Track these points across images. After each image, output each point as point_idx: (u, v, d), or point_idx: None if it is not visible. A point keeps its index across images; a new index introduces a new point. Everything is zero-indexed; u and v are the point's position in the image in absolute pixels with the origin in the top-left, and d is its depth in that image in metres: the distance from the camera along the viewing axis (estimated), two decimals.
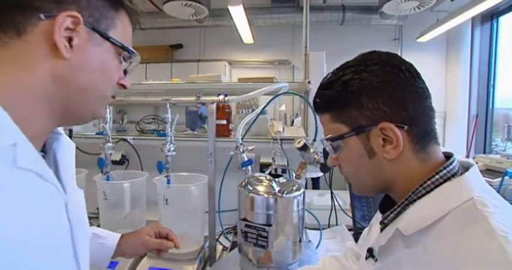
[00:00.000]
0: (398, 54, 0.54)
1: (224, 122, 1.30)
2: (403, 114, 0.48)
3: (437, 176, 0.46)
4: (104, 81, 0.46)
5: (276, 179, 0.84)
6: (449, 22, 3.31)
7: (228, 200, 1.21)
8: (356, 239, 1.27)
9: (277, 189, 0.80)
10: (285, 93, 0.96)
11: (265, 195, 0.81)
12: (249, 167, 0.93)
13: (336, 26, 3.89)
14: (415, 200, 0.48)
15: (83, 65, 0.42)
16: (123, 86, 0.50)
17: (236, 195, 1.33)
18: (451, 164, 0.48)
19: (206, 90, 1.19)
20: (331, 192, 1.44)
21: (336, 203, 1.43)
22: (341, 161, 0.56)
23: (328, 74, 0.54)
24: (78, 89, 0.43)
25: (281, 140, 1.25)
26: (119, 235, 0.75)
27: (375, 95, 0.48)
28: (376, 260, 0.53)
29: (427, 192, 0.47)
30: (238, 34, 3.33)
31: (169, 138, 0.93)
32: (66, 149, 0.50)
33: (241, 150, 0.93)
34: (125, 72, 0.50)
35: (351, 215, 1.41)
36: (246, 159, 0.92)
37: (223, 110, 1.28)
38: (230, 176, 1.22)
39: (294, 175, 0.93)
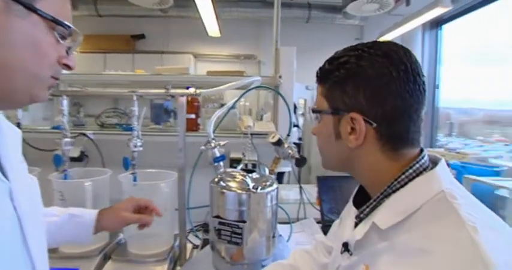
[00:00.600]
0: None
1: (193, 116, 1.25)
2: (378, 111, 0.48)
3: (410, 170, 0.48)
4: (36, 59, 0.41)
5: (249, 175, 0.83)
6: (404, 26, 3.53)
7: (197, 197, 1.18)
8: (324, 232, 1.31)
9: (251, 185, 0.79)
10: (258, 87, 0.95)
11: (239, 191, 0.79)
12: (221, 163, 0.90)
13: (302, 23, 3.96)
14: (390, 194, 0.49)
15: (2, 40, 0.38)
16: (67, 66, 0.46)
17: (206, 191, 1.31)
18: (422, 158, 0.49)
19: (173, 83, 1.13)
20: (300, 187, 1.46)
21: (304, 197, 1.46)
22: (317, 132, 0.59)
23: (338, 51, 0.55)
24: (2, 67, 0.39)
25: (252, 134, 1.24)
26: (96, 211, 0.74)
27: (360, 85, 0.49)
28: (351, 254, 0.54)
29: (402, 186, 0.48)
30: (204, 27, 3.23)
31: (136, 132, 0.87)
32: (5, 134, 0.46)
33: (212, 145, 0.90)
34: (69, 51, 0.46)
35: (318, 208, 1.46)
36: (218, 154, 0.90)
37: (192, 104, 1.24)
38: (199, 172, 1.19)
39: (267, 170, 0.93)
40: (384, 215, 0.48)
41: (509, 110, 3.36)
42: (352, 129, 0.50)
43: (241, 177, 0.84)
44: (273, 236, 0.84)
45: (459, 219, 0.41)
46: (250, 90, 0.96)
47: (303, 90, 3.04)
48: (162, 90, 0.86)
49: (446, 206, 0.43)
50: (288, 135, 0.89)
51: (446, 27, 4.07)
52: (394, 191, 0.48)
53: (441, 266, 0.38)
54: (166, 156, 1.17)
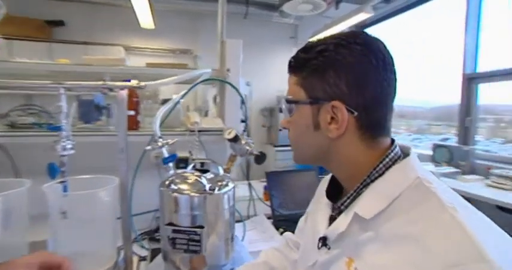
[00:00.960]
0: (294, 52, 0.55)
1: (132, 113, 1.12)
2: (359, 100, 0.48)
3: (387, 159, 0.49)
4: None
5: (204, 175, 0.77)
6: (334, 28, 3.79)
7: (139, 202, 1.06)
8: (276, 227, 1.32)
9: (207, 186, 0.73)
10: (208, 79, 0.88)
11: (194, 194, 0.73)
12: (171, 164, 0.82)
13: (240, 19, 3.94)
14: (369, 184, 0.49)
15: None
16: None
17: (149, 195, 1.19)
18: (396, 147, 0.51)
19: (107, 75, 0.99)
20: (249, 183, 1.44)
21: (253, 193, 1.44)
22: (290, 124, 0.56)
23: (313, 40, 0.53)
24: None
25: (199, 131, 1.17)
26: None
27: (341, 73, 0.48)
28: (329, 248, 0.52)
29: (380, 175, 0.49)
30: (136, 17, 2.96)
31: (64, 133, 0.72)
32: None
33: (160, 144, 0.81)
34: None
35: (268, 203, 1.46)
36: (167, 154, 0.81)
37: (130, 99, 1.09)
38: (140, 175, 1.08)
39: (221, 169, 0.87)
40: (366, 204, 0.48)
41: (411, 106, 4.10)
42: (332, 118, 0.49)
43: (194, 178, 0.77)
44: (232, 239, 0.80)
45: (439, 202, 0.42)
46: (200, 83, 0.89)
47: (244, 86, 3.04)
48: (98, 82, 0.73)
49: (424, 191, 0.44)
50: (244, 131, 0.85)
51: (369, 31, 4.51)
52: (372, 181, 0.49)
53: (431, 249, 0.39)
54: (103, 159, 1.02)
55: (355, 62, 0.48)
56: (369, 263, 0.45)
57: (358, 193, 0.50)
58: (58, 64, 1.15)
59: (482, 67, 2.96)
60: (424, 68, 3.63)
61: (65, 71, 1.06)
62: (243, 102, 1.38)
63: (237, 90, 1.03)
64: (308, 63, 0.51)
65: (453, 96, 3.28)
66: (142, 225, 1.23)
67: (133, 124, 1.13)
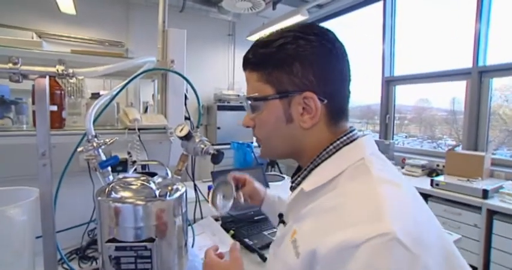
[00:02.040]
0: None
1: (55, 108, 0.92)
2: (327, 88, 0.50)
3: (338, 142, 0.51)
4: None
5: (152, 179, 0.67)
6: (271, 27, 3.88)
7: (64, 216, 0.89)
8: (226, 229, 1.25)
9: (157, 191, 0.63)
10: (154, 69, 0.77)
11: (141, 202, 0.62)
12: (109, 168, 0.69)
13: (176, 12, 3.73)
14: (319, 164, 0.52)
15: None
16: None
17: (76, 206, 1.01)
18: (351, 132, 0.53)
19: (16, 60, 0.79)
20: (194, 184, 1.34)
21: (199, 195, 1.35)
22: (257, 122, 0.56)
23: (267, 34, 0.54)
24: None
25: (140, 129, 1.03)
26: None
27: (307, 64, 0.49)
28: (285, 224, 0.56)
29: (330, 156, 0.51)
30: None
31: None
32: None
33: (95, 144, 0.67)
34: None
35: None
36: (103, 156, 0.68)
37: (51, 92, 0.90)
38: (65, 182, 0.90)
39: (169, 172, 0.77)
40: (310, 181, 0.51)
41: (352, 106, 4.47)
42: (304, 109, 0.50)
43: (139, 183, 0.66)
44: (186, 249, 0.71)
45: (369, 178, 0.45)
46: (144, 73, 0.77)
47: None
48: (5, 65, 0.56)
49: (362, 169, 0.47)
50: (198, 127, 0.77)
51: None
52: (323, 161, 0.52)
53: (343, 216, 0.42)
54: (15, 166, 0.82)
55: (317, 52, 0.49)
56: (301, 232, 0.47)
57: (309, 172, 0.53)
58: None
59: (398, 71, 3.39)
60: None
61: None
62: (186, 97, 1.28)
63: (188, 81, 0.93)
64: (271, 58, 0.51)
65: (371, 97, 3.71)
66: (68, 242, 1.04)
67: (55, 122, 0.94)
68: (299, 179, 0.54)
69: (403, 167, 2.81)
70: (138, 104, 2.51)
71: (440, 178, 2.27)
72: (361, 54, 3.87)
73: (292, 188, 0.56)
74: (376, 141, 2.98)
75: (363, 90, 3.88)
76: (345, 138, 0.52)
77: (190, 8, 3.73)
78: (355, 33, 4.07)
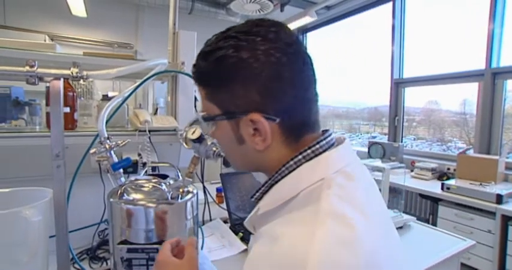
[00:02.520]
0: None
1: (68, 109, 0.94)
2: (277, 105, 0.43)
3: (300, 156, 0.44)
4: None
5: (164, 181, 0.67)
6: None
7: (75, 216, 0.90)
8: (234, 231, 1.25)
9: (169, 194, 0.63)
10: (165, 71, 0.77)
11: (152, 205, 0.62)
12: (121, 170, 0.69)
13: (184, 14, 3.76)
14: (279, 180, 0.45)
15: None
16: None
17: (88, 207, 1.02)
18: (318, 143, 0.45)
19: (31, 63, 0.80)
20: (204, 186, 1.34)
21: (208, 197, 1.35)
22: (215, 137, 0.51)
23: (211, 38, 0.45)
24: None
25: (150, 131, 1.04)
26: None
27: (248, 82, 0.42)
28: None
29: (289, 172, 0.45)
30: (66, 2, 2.59)
31: None
32: None
33: (107, 146, 0.68)
34: None
35: (224, 206, 1.38)
36: (115, 158, 0.68)
37: (65, 93, 0.92)
38: (77, 183, 0.91)
39: (180, 174, 0.77)
40: (266, 200, 0.45)
41: (343, 107, 4.52)
42: (255, 129, 0.44)
43: (151, 185, 0.66)
44: (197, 253, 0.71)
45: (316, 209, 0.39)
46: (156, 75, 0.77)
47: None
48: (23, 68, 0.57)
49: (316, 194, 0.41)
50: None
51: (309, 35, 4.77)
52: (283, 177, 0.45)
53: (274, 256, 0.37)
54: (27, 167, 0.84)
55: (263, 66, 0.41)
56: (250, 253, 0.43)
57: (269, 188, 0.47)
58: None
59: (407, 73, 3.35)
60: (357, 73, 3.97)
61: None
62: (196, 99, 1.28)
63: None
64: (210, 76, 0.45)
65: (379, 99, 3.68)
66: (78, 243, 1.05)
67: (68, 123, 0.95)
68: (258, 194, 0.49)
69: (412, 170, 2.77)
70: (146, 105, 2.53)
71: (452, 182, 2.23)
72: (369, 56, 3.84)
73: (255, 200, 0.51)
74: (384, 143, 2.94)
75: (371, 92, 3.86)
76: (309, 151, 0.44)
77: (198, 10, 3.75)
78: (363, 35, 4.04)
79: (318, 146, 0.45)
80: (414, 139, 3.47)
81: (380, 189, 1.28)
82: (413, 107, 3.45)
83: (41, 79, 0.59)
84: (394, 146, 3.04)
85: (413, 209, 2.67)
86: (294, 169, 0.44)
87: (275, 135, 0.44)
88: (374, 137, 3.81)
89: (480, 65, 2.54)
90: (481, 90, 2.56)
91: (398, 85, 3.36)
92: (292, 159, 0.44)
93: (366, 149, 3.30)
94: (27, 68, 0.56)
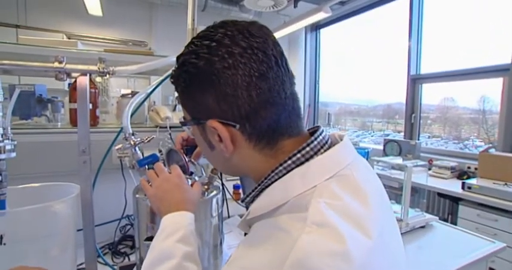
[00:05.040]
0: None
1: (90, 106, 0.94)
2: (234, 111, 0.41)
3: (289, 161, 0.42)
4: None
5: (189, 177, 0.66)
6: (293, 25, 3.84)
7: (98, 211, 0.91)
8: None
9: None
10: None
11: None
12: (146, 166, 0.69)
13: (198, 11, 3.75)
14: (269, 185, 0.43)
15: None
16: None
17: (111, 202, 1.03)
18: (308, 145, 0.43)
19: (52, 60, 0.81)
20: (222, 183, 1.34)
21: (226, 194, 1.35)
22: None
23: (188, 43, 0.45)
24: None
25: (171, 127, 1.04)
26: None
27: (204, 88, 0.42)
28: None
29: (279, 177, 0.42)
30: (82, 1, 2.62)
31: (0, 130, 0.55)
32: None
33: (132, 143, 0.67)
34: None
35: (242, 203, 1.37)
36: (140, 155, 0.68)
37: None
38: (100, 179, 0.92)
39: (203, 170, 0.77)
40: (257, 204, 0.44)
41: (355, 104, 4.44)
42: (219, 136, 0.43)
43: None
44: (221, 249, 0.70)
45: (303, 217, 0.37)
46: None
47: None
48: (51, 64, 0.57)
49: (305, 201, 0.38)
50: None
51: (323, 31, 4.72)
52: (273, 182, 0.43)
53: (251, 257, 0.37)
54: (54, 162, 0.85)
55: (215, 72, 0.40)
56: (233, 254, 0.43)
57: (259, 192, 0.45)
58: None
59: (424, 69, 3.26)
60: (370, 69, 3.89)
61: None
62: None
63: None
64: (176, 82, 0.46)
65: (392, 96, 3.60)
66: (100, 237, 1.06)
67: (91, 120, 0.96)
68: (248, 198, 0.48)
69: (430, 169, 2.69)
70: (159, 103, 2.55)
71: (473, 181, 2.16)
72: (383, 52, 3.75)
73: (246, 203, 0.50)
74: (401, 141, 2.88)
75: (384, 89, 3.78)
76: (298, 155, 0.42)
77: (212, 7, 3.75)
78: (377, 30, 3.95)
79: (308, 148, 0.42)
80: (429, 137, 3.38)
81: (402, 188, 1.25)
82: (427, 104, 3.36)
83: (68, 75, 0.59)
84: (411, 143, 2.96)
85: (431, 208, 2.61)
86: (284, 174, 0.42)
87: (240, 141, 0.43)
88: (387, 135, 3.73)
89: (504, 59, 2.44)
90: (505, 85, 2.46)
91: (415, 81, 3.28)
92: (281, 164, 0.42)
93: (379, 147, 3.24)
94: (57, 64, 0.56)
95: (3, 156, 0.56)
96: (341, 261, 0.33)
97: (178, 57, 0.45)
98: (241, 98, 0.40)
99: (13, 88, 1.08)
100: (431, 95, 3.31)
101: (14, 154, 0.58)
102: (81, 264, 0.78)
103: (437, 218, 1.31)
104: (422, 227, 1.25)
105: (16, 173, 0.62)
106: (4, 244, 0.52)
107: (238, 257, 0.39)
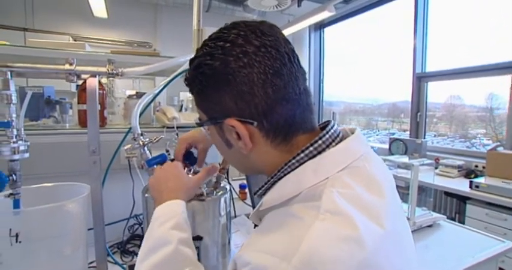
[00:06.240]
0: None
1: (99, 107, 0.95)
2: (251, 109, 0.43)
3: (302, 155, 0.43)
4: None
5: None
6: (297, 25, 3.83)
7: (107, 211, 0.92)
8: None
9: (205, 190, 0.63)
10: None
11: (189, 200, 0.62)
12: (155, 166, 0.69)
13: (202, 12, 3.77)
14: (281, 177, 0.45)
15: None
16: None
17: (119, 202, 1.04)
18: (320, 138, 0.44)
19: (61, 62, 0.82)
20: (229, 183, 1.34)
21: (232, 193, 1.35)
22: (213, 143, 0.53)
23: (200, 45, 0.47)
24: None
25: (178, 127, 1.04)
26: None
27: (220, 88, 0.43)
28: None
29: (292, 170, 0.44)
30: (88, 4, 2.65)
31: (14, 131, 0.56)
32: None
33: (141, 143, 0.68)
34: None
35: (249, 203, 1.38)
36: (149, 154, 0.69)
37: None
38: (108, 179, 0.93)
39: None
40: (270, 196, 0.45)
41: (359, 103, 4.44)
42: (237, 134, 0.44)
43: None
44: (229, 249, 0.71)
45: (317, 205, 0.38)
46: (184, 72, 0.77)
47: None
48: (62, 66, 0.58)
49: (319, 191, 0.40)
50: None
51: (327, 30, 4.70)
52: (286, 174, 0.44)
53: (268, 245, 0.37)
54: (63, 163, 0.86)
55: (231, 71, 0.42)
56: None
57: (272, 185, 0.46)
58: None
59: (430, 67, 3.23)
60: (375, 68, 3.87)
61: (7, 55, 0.86)
62: None
63: None
64: (190, 83, 0.47)
65: (397, 94, 3.57)
66: (109, 236, 1.07)
67: (99, 120, 0.97)
68: (260, 191, 0.49)
69: (436, 168, 2.67)
70: (164, 103, 2.57)
71: (481, 180, 2.14)
72: (388, 50, 3.73)
73: (258, 195, 0.51)
74: (406, 140, 2.85)
75: (389, 88, 3.75)
76: (311, 148, 0.43)
77: (216, 8, 3.76)
78: (381, 29, 3.93)
79: (320, 141, 0.44)
80: (435, 136, 3.35)
81: (408, 187, 1.24)
82: (433, 102, 3.33)
83: (78, 76, 0.60)
84: (417, 142, 2.94)
85: (438, 207, 2.59)
86: (297, 167, 0.43)
87: (257, 138, 0.44)
88: (392, 134, 3.71)
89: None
90: None
91: (420, 79, 3.25)
92: (294, 157, 0.43)
93: (385, 146, 3.22)
94: (67, 65, 0.57)
95: (17, 156, 0.57)
96: (354, 246, 0.34)
97: (192, 60, 0.46)
98: (258, 96, 0.42)
99: (23, 90, 1.10)
100: (438, 93, 3.28)
101: (27, 155, 0.59)
102: (91, 262, 0.79)
103: (444, 217, 1.30)
104: (430, 226, 1.24)
105: (27, 173, 0.63)
106: (20, 242, 0.53)
107: (251, 242, 0.41)
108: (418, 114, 3.26)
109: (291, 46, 0.45)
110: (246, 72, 0.41)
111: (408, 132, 3.40)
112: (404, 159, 1.48)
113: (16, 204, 0.57)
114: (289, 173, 0.43)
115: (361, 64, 4.18)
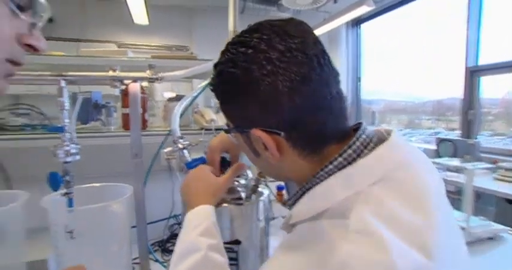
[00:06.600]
0: None
1: (141, 110, 1.00)
2: (278, 119, 0.40)
3: (330, 166, 0.40)
4: None
5: (237, 180, 0.66)
6: (333, 22, 3.72)
7: (149, 210, 0.95)
8: None
9: (243, 193, 0.62)
10: None
11: (227, 204, 0.62)
12: None
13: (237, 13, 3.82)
14: (310, 188, 0.41)
15: None
16: (32, 48, 0.34)
17: (160, 202, 1.08)
18: (349, 147, 0.40)
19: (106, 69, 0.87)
20: (266, 185, 1.33)
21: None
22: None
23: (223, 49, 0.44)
24: None
25: (216, 130, 1.06)
26: None
27: (246, 99, 0.41)
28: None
29: (321, 181, 0.40)
30: (129, 13, 2.81)
31: (67, 135, 0.60)
32: None
33: (180, 146, 0.69)
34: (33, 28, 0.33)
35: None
36: (188, 157, 0.70)
37: None
38: (149, 180, 0.96)
39: (250, 172, 0.76)
40: (297, 209, 0.42)
41: (401, 100, 4.20)
42: (264, 144, 0.42)
43: None
44: (267, 254, 0.69)
45: (343, 228, 0.34)
46: None
47: None
48: (107, 73, 0.61)
49: (348, 209, 0.36)
50: None
51: (364, 26, 4.51)
52: (314, 185, 0.41)
53: (290, 263, 0.36)
54: (108, 164, 0.91)
55: (254, 80, 0.39)
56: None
57: (301, 195, 0.43)
58: (54, 56, 1.01)
59: (483, 60, 2.94)
60: (417, 63, 3.62)
61: (62, 65, 0.93)
62: None
63: None
64: (217, 89, 0.45)
65: (443, 91, 3.29)
66: (150, 235, 1.12)
67: (141, 123, 1.01)
68: (290, 201, 0.46)
69: (494, 171, 2.41)
70: (201, 104, 2.63)
71: None
72: (431, 44, 3.46)
73: (288, 205, 0.48)
74: (456, 140, 2.61)
75: (433, 84, 3.48)
76: (340, 159, 0.40)
77: (250, 9, 3.78)
78: (423, 21, 3.67)
79: (350, 151, 0.40)
80: (490, 135, 3.04)
81: (459, 192, 1.13)
82: (488, 98, 3.02)
83: (121, 82, 0.63)
84: (469, 142, 2.69)
85: (499, 217, 2.34)
86: (326, 178, 0.40)
87: (285, 149, 0.42)
88: (437, 133, 3.43)
89: None
90: None
91: (473, 74, 2.97)
92: (322, 169, 0.40)
93: (431, 146, 2.98)
94: (111, 72, 0.60)
95: (69, 159, 0.61)
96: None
97: (215, 65, 0.44)
98: (284, 105, 0.39)
99: (75, 96, 1.19)
100: (493, 88, 2.98)
101: (78, 157, 0.63)
102: (134, 258, 0.83)
103: (508, 228, 1.15)
104: (490, 238, 1.11)
105: (77, 174, 0.67)
106: (74, 238, 0.57)
107: (276, 258, 0.40)
108: (471, 112, 2.99)
109: (321, 46, 0.41)
110: (270, 81, 0.38)
111: (457, 132, 3.13)
112: (455, 162, 1.35)
113: (70, 203, 0.61)
114: (317, 184, 0.41)
115: (403, 60, 3.94)
